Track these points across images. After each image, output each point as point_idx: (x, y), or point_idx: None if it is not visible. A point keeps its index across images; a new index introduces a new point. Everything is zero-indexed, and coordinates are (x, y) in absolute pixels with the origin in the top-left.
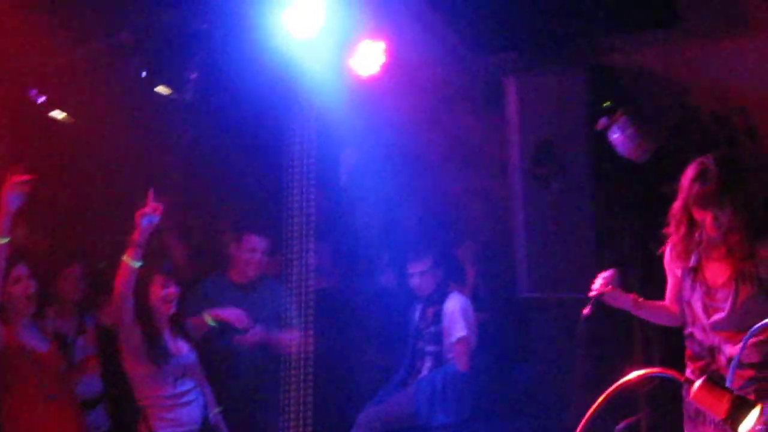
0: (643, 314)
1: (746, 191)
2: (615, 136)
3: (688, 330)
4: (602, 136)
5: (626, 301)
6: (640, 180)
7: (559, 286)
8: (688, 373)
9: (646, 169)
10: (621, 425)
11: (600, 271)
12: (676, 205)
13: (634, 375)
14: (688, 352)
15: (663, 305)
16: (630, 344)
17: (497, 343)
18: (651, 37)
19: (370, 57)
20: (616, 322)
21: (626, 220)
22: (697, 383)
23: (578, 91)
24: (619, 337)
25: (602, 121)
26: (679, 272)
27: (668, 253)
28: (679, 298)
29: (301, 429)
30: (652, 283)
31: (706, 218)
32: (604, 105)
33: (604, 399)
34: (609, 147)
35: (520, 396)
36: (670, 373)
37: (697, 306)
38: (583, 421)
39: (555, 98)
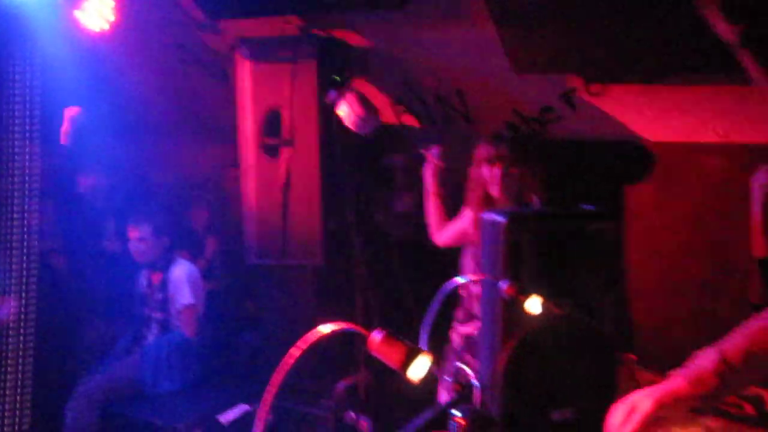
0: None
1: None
2: (342, 109)
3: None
4: (331, 109)
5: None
6: (365, 153)
7: (286, 254)
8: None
9: (371, 143)
10: (341, 384)
11: (325, 239)
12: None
13: (320, 331)
14: None
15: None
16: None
17: (226, 310)
18: (380, 17)
19: (100, 13)
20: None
21: (351, 191)
22: (378, 336)
23: (309, 64)
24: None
25: (331, 95)
26: None
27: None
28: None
29: (19, 402)
30: (373, 249)
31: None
32: (334, 79)
33: (294, 359)
34: (337, 120)
35: (246, 361)
36: (358, 328)
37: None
38: (276, 380)
39: (287, 69)
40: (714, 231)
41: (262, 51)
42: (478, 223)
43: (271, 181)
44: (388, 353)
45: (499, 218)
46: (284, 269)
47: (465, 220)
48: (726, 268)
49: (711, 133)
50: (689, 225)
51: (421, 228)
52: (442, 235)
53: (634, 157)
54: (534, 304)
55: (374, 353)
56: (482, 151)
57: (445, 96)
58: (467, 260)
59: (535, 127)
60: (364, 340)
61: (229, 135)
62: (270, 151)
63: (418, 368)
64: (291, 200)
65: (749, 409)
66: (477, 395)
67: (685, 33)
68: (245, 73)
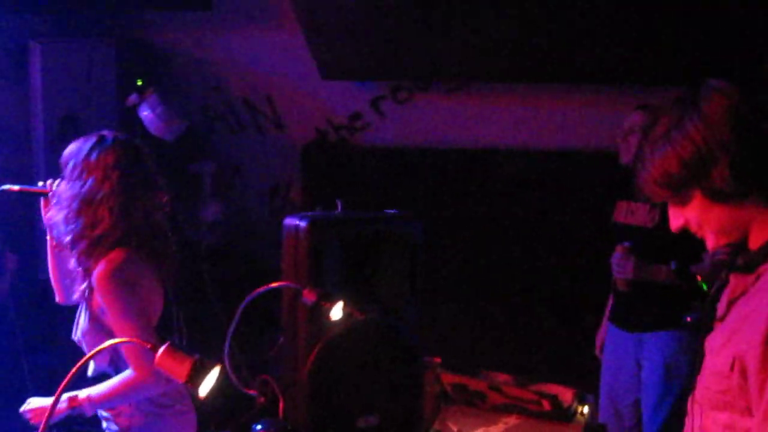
0: None
1: None
2: (144, 113)
3: None
4: (132, 112)
5: None
6: (170, 160)
7: None
8: None
9: (176, 149)
10: None
11: None
12: None
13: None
14: None
15: None
16: None
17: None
18: (185, 18)
19: None
20: None
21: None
22: (161, 349)
23: (107, 65)
24: None
25: (132, 98)
26: None
27: None
28: None
29: None
30: (181, 258)
31: None
32: (136, 82)
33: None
34: (139, 124)
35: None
36: (144, 343)
37: None
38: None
39: (83, 70)
40: (511, 235)
41: (54, 51)
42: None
43: None
44: (173, 367)
45: (301, 222)
46: None
47: None
48: (522, 269)
49: (512, 138)
50: (487, 229)
51: (231, 236)
52: None
53: (439, 163)
54: (336, 310)
55: (159, 367)
56: None
57: (255, 101)
58: None
59: (344, 134)
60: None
61: (23, 138)
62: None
63: (206, 381)
64: None
65: (547, 405)
66: (281, 406)
67: (489, 43)
68: (36, 75)
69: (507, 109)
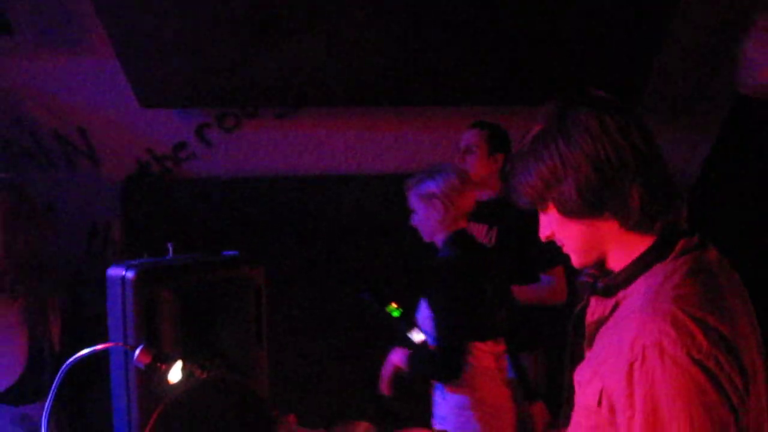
0: None
1: None
2: None
3: None
4: None
5: None
6: None
7: None
8: None
9: None
10: None
11: None
12: None
13: None
14: None
15: None
16: None
17: None
18: None
19: None
20: None
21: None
22: None
23: None
24: None
25: None
26: None
27: None
28: None
29: None
30: None
31: None
32: None
33: None
34: None
35: None
36: None
37: None
38: None
39: None
40: (350, 263)
41: None
42: None
43: None
44: None
45: (128, 273)
46: None
47: None
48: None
49: (345, 164)
50: (330, 258)
51: None
52: None
53: (272, 192)
54: (174, 371)
55: None
56: None
57: (66, 134)
58: None
59: (168, 165)
60: None
61: None
62: None
63: None
64: None
65: None
66: None
67: (319, 66)
68: None
69: (339, 134)
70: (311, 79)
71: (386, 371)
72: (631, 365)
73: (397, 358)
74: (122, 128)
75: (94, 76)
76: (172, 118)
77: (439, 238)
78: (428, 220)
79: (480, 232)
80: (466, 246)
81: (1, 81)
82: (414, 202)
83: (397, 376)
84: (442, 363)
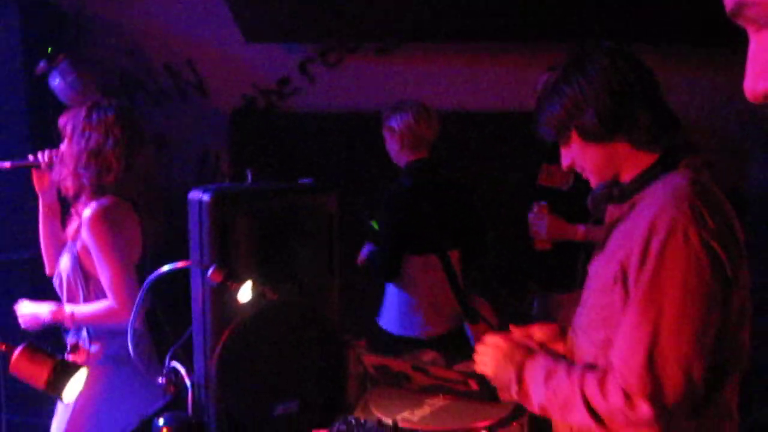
0: None
1: None
2: (55, 82)
3: None
4: (41, 81)
5: None
6: None
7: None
8: None
9: None
10: None
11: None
12: None
13: None
14: None
15: None
16: None
17: None
18: None
19: None
20: None
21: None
22: (16, 351)
23: (11, 30)
24: None
25: (41, 66)
26: None
27: None
28: None
29: None
30: None
31: None
32: (48, 51)
33: None
34: (50, 93)
35: None
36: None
37: None
38: None
39: None
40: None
41: None
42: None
43: None
44: (30, 371)
45: (204, 196)
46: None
47: None
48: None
49: (447, 101)
50: None
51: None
52: None
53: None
54: (244, 291)
55: (14, 373)
56: None
57: (175, 67)
58: None
59: (272, 100)
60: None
61: None
62: None
63: (71, 386)
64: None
65: (474, 385)
66: (190, 397)
67: (419, 1)
68: None
69: (440, 71)
70: (412, 15)
71: (359, 260)
72: (649, 239)
73: (364, 252)
74: (228, 62)
75: (203, 11)
76: (277, 52)
77: (401, 164)
78: (391, 150)
79: (559, 173)
80: (419, 174)
81: (115, 15)
82: (384, 132)
83: None
84: (379, 265)
